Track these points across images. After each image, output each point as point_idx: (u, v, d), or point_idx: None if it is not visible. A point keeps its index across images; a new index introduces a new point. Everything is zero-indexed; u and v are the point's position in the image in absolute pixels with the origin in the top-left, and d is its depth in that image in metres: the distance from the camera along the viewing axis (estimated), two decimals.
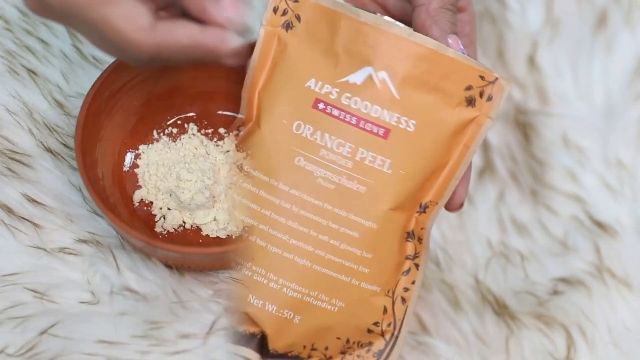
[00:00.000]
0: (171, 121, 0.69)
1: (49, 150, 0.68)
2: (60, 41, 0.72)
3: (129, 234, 0.59)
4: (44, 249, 0.64)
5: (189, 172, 0.65)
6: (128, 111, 0.67)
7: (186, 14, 0.55)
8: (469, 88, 0.53)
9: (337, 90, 0.55)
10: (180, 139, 0.69)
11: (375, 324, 0.57)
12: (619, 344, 0.63)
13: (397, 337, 0.57)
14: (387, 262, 0.57)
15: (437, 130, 0.54)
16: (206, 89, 0.69)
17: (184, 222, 0.66)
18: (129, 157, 0.68)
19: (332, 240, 0.57)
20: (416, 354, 0.61)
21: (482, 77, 0.53)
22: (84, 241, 0.65)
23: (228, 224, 0.66)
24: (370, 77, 0.54)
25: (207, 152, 0.68)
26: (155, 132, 0.69)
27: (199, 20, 0.55)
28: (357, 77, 0.54)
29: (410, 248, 0.56)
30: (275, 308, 0.57)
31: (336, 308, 0.57)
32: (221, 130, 0.69)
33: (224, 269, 0.64)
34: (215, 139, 0.69)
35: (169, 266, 0.63)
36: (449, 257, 0.65)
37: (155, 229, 0.65)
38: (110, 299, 0.62)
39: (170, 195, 0.66)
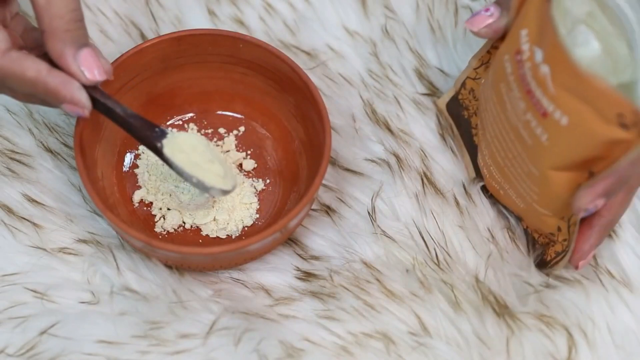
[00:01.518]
0: (171, 121, 0.69)
1: (49, 150, 0.68)
2: None
3: (128, 234, 0.59)
4: (44, 249, 0.64)
5: None
6: None
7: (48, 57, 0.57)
8: (620, 115, 0.52)
9: (528, 54, 0.56)
10: None
11: (551, 234, 0.63)
12: (620, 344, 0.63)
13: (567, 252, 0.62)
14: (555, 201, 0.59)
15: (589, 136, 0.54)
16: (206, 89, 0.69)
17: (184, 222, 0.66)
18: (128, 158, 0.68)
19: (513, 159, 0.61)
20: (416, 354, 0.61)
21: (634, 112, 0.52)
22: (84, 241, 0.65)
23: (228, 224, 0.66)
24: (540, 63, 0.54)
25: None
26: None
27: (56, 64, 0.57)
28: (538, 55, 0.54)
29: None
30: (487, 175, 0.66)
31: (521, 205, 0.64)
32: (221, 130, 0.69)
33: (223, 268, 0.64)
34: (215, 139, 0.69)
35: (168, 266, 0.63)
36: (449, 257, 0.65)
37: (155, 229, 0.65)
38: (110, 299, 0.62)
39: (170, 195, 0.66)
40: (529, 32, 0.56)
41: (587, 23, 0.56)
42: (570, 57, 0.51)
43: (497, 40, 0.62)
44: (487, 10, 0.61)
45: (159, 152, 0.60)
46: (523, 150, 0.59)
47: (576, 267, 0.62)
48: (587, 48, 0.55)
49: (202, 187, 0.61)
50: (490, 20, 0.61)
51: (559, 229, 0.62)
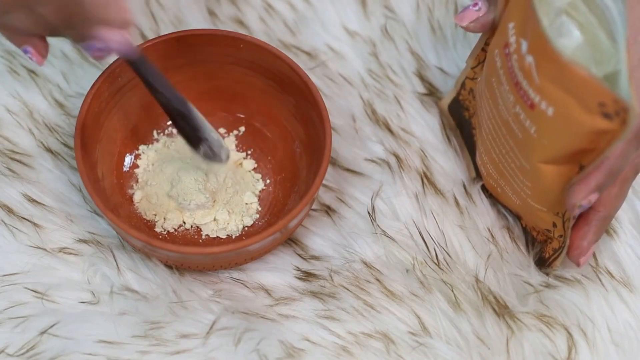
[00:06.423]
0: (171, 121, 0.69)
1: (49, 150, 0.68)
2: (60, 41, 0.72)
3: (129, 234, 0.59)
4: (44, 249, 0.64)
5: (189, 173, 0.65)
6: (128, 111, 0.67)
7: None
8: (602, 104, 0.52)
9: (515, 46, 0.56)
10: (180, 139, 0.69)
11: (547, 230, 0.63)
12: (620, 344, 0.63)
13: (563, 248, 0.62)
14: (548, 195, 0.60)
15: (574, 126, 0.54)
16: (206, 89, 0.69)
17: (184, 222, 0.66)
18: (129, 158, 0.68)
19: (506, 155, 0.61)
20: (416, 354, 0.61)
21: (615, 101, 0.52)
22: (84, 241, 0.65)
23: (228, 224, 0.66)
24: (525, 54, 0.54)
25: None
26: (155, 132, 0.69)
27: None
28: (524, 46, 0.54)
29: None
30: (485, 174, 0.66)
31: (517, 202, 0.64)
32: (221, 130, 0.69)
33: (223, 268, 0.64)
34: None
35: (169, 266, 0.63)
36: (449, 257, 0.65)
37: (155, 229, 0.65)
38: (111, 298, 0.62)
39: (170, 195, 0.66)
40: (515, 24, 0.56)
41: (568, 14, 0.56)
42: (553, 46, 0.51)
43: (490, 36, 0.62)
44: (475, 5, 0.62)
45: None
46: (515, 145, 0.59)
47: (578, 264, 0.62)
48: (569, 38, 0.55)
49: (218, 144, 0.62)
50: (478, 15, 0.62)
51: (555, 225, 0.62)
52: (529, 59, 0.54)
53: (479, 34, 0.64)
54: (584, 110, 0.52)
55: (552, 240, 0.63)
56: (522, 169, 0.60)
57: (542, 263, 0.65)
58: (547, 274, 0.64)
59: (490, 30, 0.62)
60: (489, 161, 0.64)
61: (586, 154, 0.55)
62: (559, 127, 0.54)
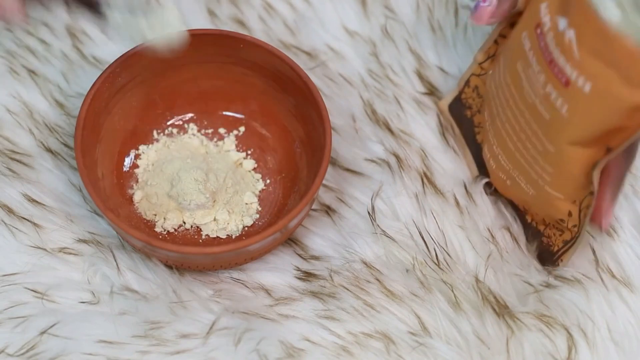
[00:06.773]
0: (171, 121, 0.69)
1: (49, 150, 0.68)
2: (60, 41, 0.72)
3: (128, 234, 0.59)
4: (44, 249, 0.64)
5: (189, 173, 0.65)
6: (128, 111, 0.67)
7: None
8: None
9: (550, 25, 0.56)
10: (180, 139, 0.69)
11: (561, 220, 0.63)
12: (620, 344, 0.63)
13: (577, 238, 0.62)
14: (569, 181, 0.60)
15: (612, 102, 0.54)
16: (206, 89, 0.69)
17: (184, 222, 0.66)
18: (129, 158, 0.68)
19: (526, 141, 0.61)
20: (416, 354, 0.61)
21: None
22: (84, 241, 0.65)
23: (228, 224, 0.66)
24: (565, 30, 0.54)
25: (207, 152, 0.68)
26: (155, 132, 0.69)
27: None
28: (561, 23, 0.54)
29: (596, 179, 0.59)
30: (494, 167, 0.66)
31: (530, 192, 0.63)
32: (221, 130, 0.69)
33: (223, 268, 0.64)
34: (215, 139, 0.69)
35: (169, 266, 0.63)
36: (449, 257, 0.65)
37: (155, 229, 0.65)
38: (111, 298, 0.62)
39: (170, 195, 0.66)
40: (549, 4, 0.55)
41: None
42: (599, 18, 0.51)
43: (504, 28, 0.62)
44: (484, 1, 0.61)
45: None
46: (539, 128, 0.59)
47: (600, 227, 0.61)
48: (608, 17, 0.55)
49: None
50: (491, 9, 0.61)
51: (570, 214, 0.62)
52: (570, 34, 0.53)
53: (479, 34, 0.64)
54: (626, 84, 0.52)
55: (564, 232, 0.63)
56: (545, 153, 0.59)
57: (549, 257, 0.65)
58: (549, 272, 0.64)
59: (505, 21, 0.62)
60: (501, 152, 0.64)
61: (616, 135, 0.55)
62: (595, 103, 0.54)
